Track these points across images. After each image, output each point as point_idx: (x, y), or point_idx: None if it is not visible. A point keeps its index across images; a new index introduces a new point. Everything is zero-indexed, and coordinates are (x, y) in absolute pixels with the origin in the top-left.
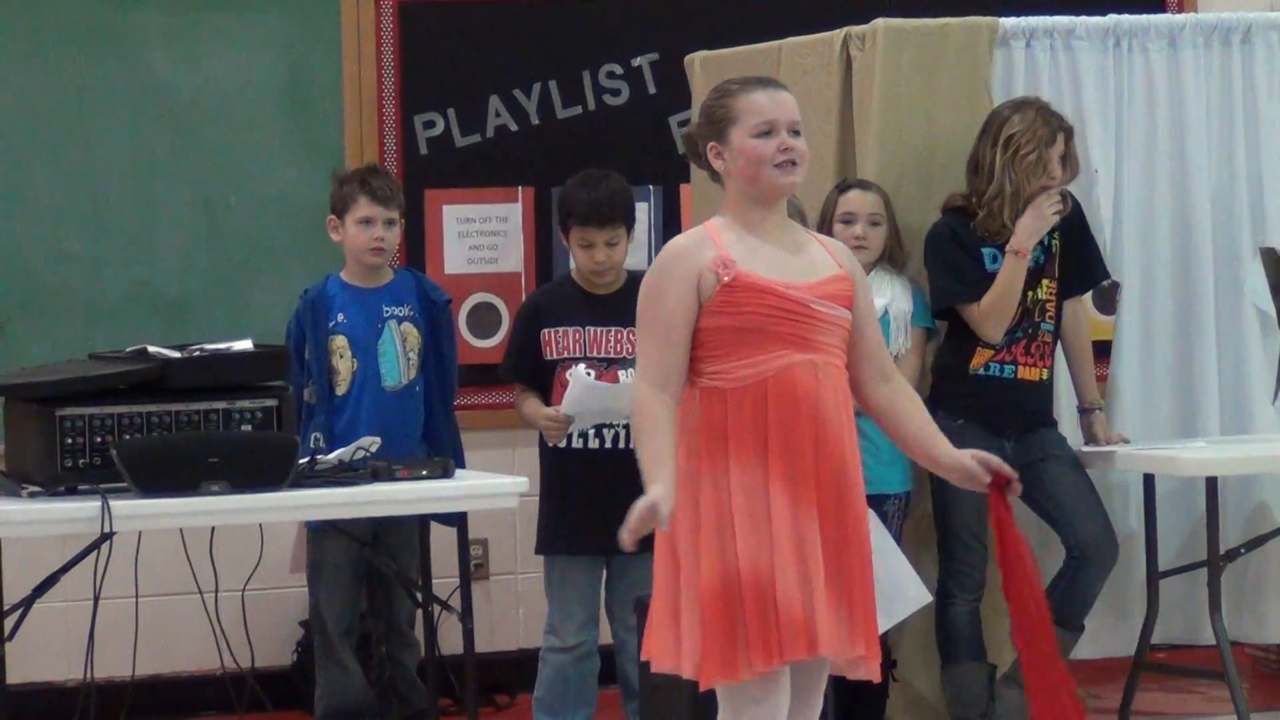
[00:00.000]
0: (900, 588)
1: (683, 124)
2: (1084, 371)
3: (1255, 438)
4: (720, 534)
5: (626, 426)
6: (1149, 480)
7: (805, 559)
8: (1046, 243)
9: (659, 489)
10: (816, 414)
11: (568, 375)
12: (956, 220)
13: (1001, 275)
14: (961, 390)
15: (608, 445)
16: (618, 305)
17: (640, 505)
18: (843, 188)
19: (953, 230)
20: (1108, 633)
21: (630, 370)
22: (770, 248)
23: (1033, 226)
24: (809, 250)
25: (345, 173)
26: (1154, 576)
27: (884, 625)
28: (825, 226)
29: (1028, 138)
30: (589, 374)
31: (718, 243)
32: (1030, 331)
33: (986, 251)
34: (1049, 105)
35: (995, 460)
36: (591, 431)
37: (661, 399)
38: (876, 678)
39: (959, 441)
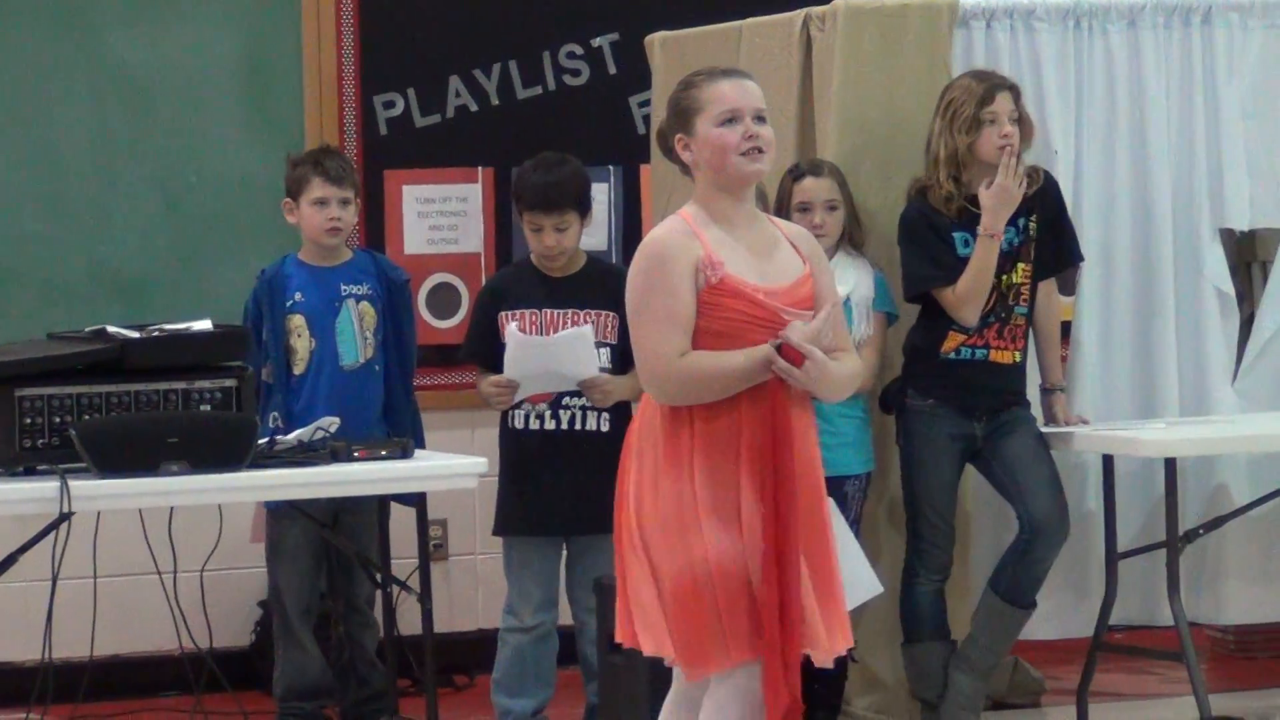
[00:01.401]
0: (854, 576)
1: (643, 105)
2: (1050, 352)
3: (1214, 419)
4: (686, 529)
5: (585, 407)
6: (1108, 461)
7: (783, 556)
8: (1023, 225)
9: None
10: (783, 417)
11: (504, 337)
12: (926, 204)
13: (974, 259)
14: (932, 372)
15: (564, 425)
16: (576, 287)
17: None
18: (796, 174)
19: (924, 214)
20: (1066, 613)
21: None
22: (745, 247)
23: (994, 203)
24: (779, 248)
25: (299, 155)
26: (1113, 557)
27: None
28: (781, 214)
29: (963, 97)
30: (521, 331)
31: (701, 239)
32: (1004, 315)
33: (958, 235)
34: (993, 70)
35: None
36: (548, 411)
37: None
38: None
39: (931, 422)
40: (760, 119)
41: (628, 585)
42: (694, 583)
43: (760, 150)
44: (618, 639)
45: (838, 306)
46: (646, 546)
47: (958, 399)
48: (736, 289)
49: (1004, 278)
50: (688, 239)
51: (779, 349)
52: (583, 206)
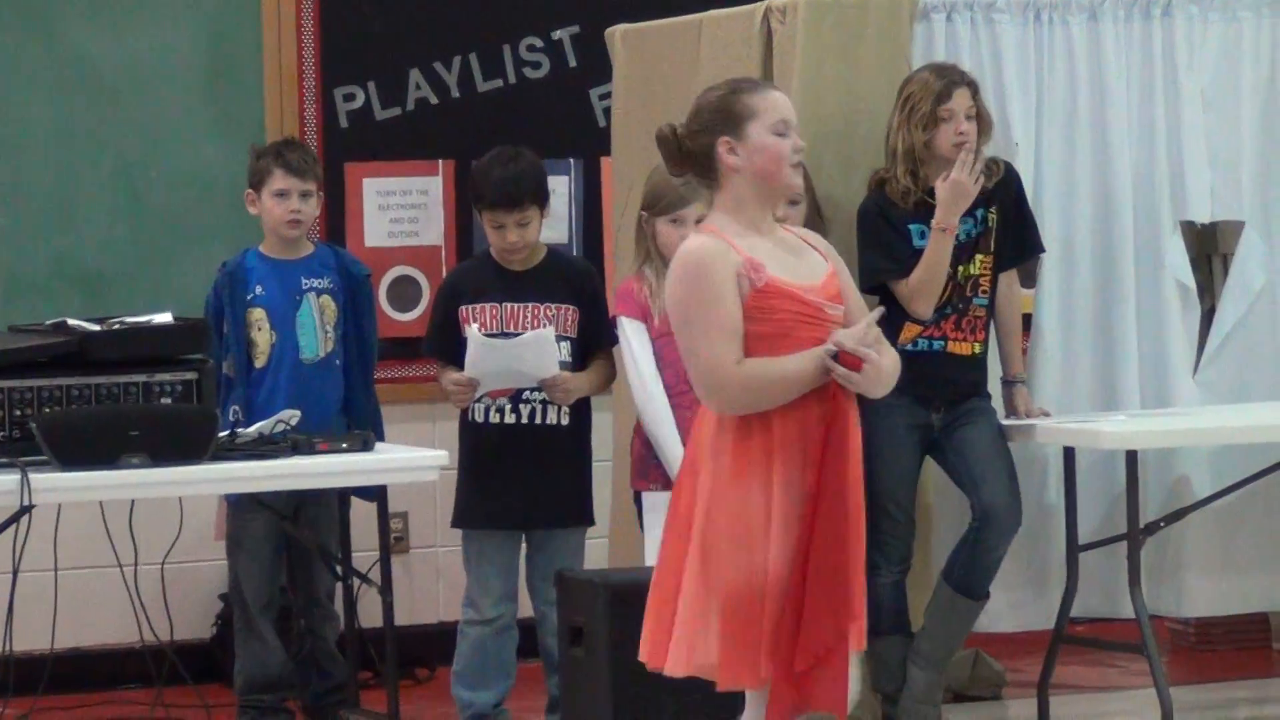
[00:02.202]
0: None
1: (604, 97)
2: (1011, 344)
3: (1175, 411)
4: (753, 538)
5: (545, 401)
6: (1069, 453)
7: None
8: (981, 217)
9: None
10: (843, 414)
11: (465, 335)
12: (883, 197)
13: (927, 252)
14: None
15: (524, 419)
16: (536, 281)
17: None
18: None
19: (880, 207)
20: (1027, 606)
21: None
22: (776, 249)
23: (949, 197)
24: (803, 249)
25: (261, 146)
26: (1073, 549)
27: None
28: None
29: (921, 93)
30: (482, 332)
31: (734, 246)
32: (961, 307)
33: (914, 228)
34: (953, 65)
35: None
36: (509, 405)
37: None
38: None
39: (888, 413)
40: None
41: (674, 602)
42: (753, 592)
43: (799, 165)
44: (643, 658)
45: (853, 289)
46: (707, 559)
47: (915, 390)
48: (781, 289)
49: (961, 269)
50: (724, 248)
51: (835, 356)
52: (542, 200)
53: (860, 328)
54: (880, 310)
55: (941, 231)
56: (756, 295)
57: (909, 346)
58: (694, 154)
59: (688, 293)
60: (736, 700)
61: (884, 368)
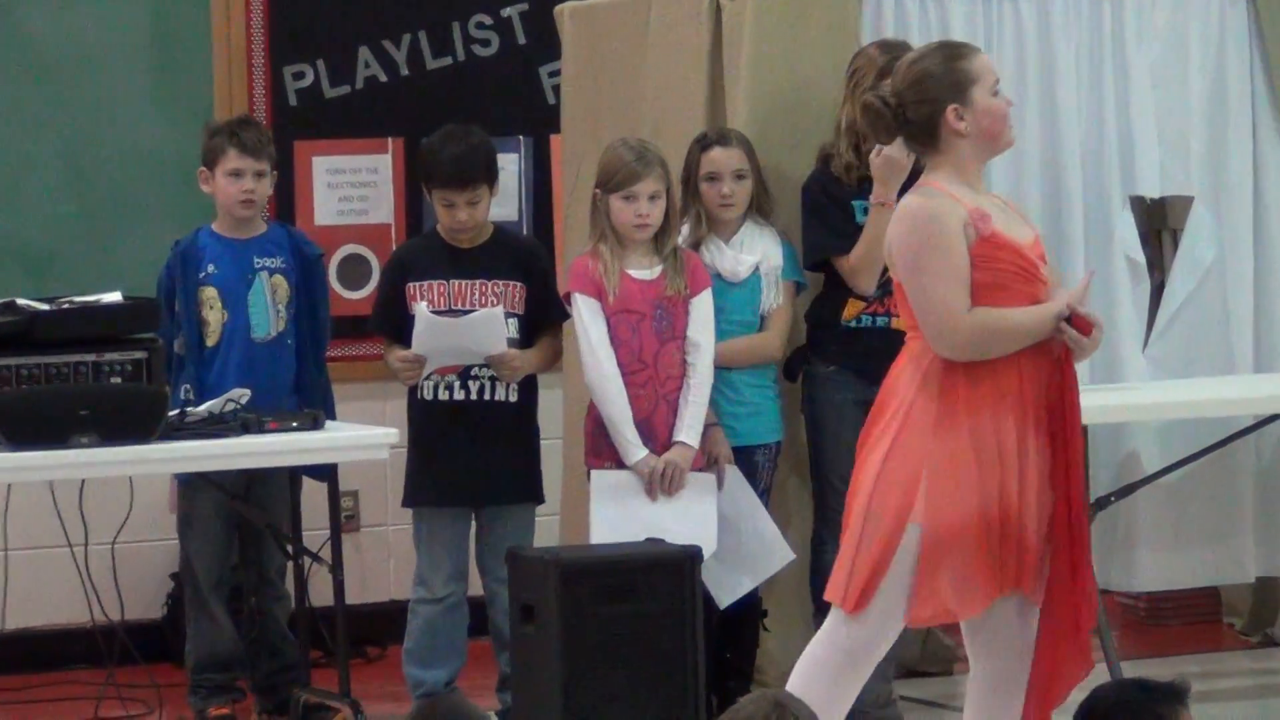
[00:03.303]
0: (765, 545)
1: (553, 75)
2: None
3: (1125, 386)
4: (961, 476)
5: (493, 377)
6: None
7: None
8: None
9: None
10: (1070, 372)
11: (414, 311)
12: (827, 172)
13: (867, 228)
14: (834, 340)
15: (473, 396)
16: (483, 258)
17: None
18: (704, 144)
19: (823, 183)
20: None
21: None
22: (994, 208)
23: (882, 171)
24: (1013, 212)
25: (216, 124)
26: None
27: (751, 583)
28: (689, 184)
29: (866, 68)
30: (430, 309)
31: (959, 200)
32: None
33: (857, 204)
34: (900, 41)
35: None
36: (457, 382)
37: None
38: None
39: (833, 388)
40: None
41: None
42: (964, 524)
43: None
44: (829, 596)
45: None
46: (906, 496)
47: (859, 365)
48: (1005, 241)
49: None
50: (950, 200)
51: (1069, 320)
52: (492, 178)
53: (1080, 289)
54: (1092, 272)
55: (880, 206)
56: (981, 244)
57: (853, 322)
58: (915, 123)
59: (921, 240)
60: (686, 675)
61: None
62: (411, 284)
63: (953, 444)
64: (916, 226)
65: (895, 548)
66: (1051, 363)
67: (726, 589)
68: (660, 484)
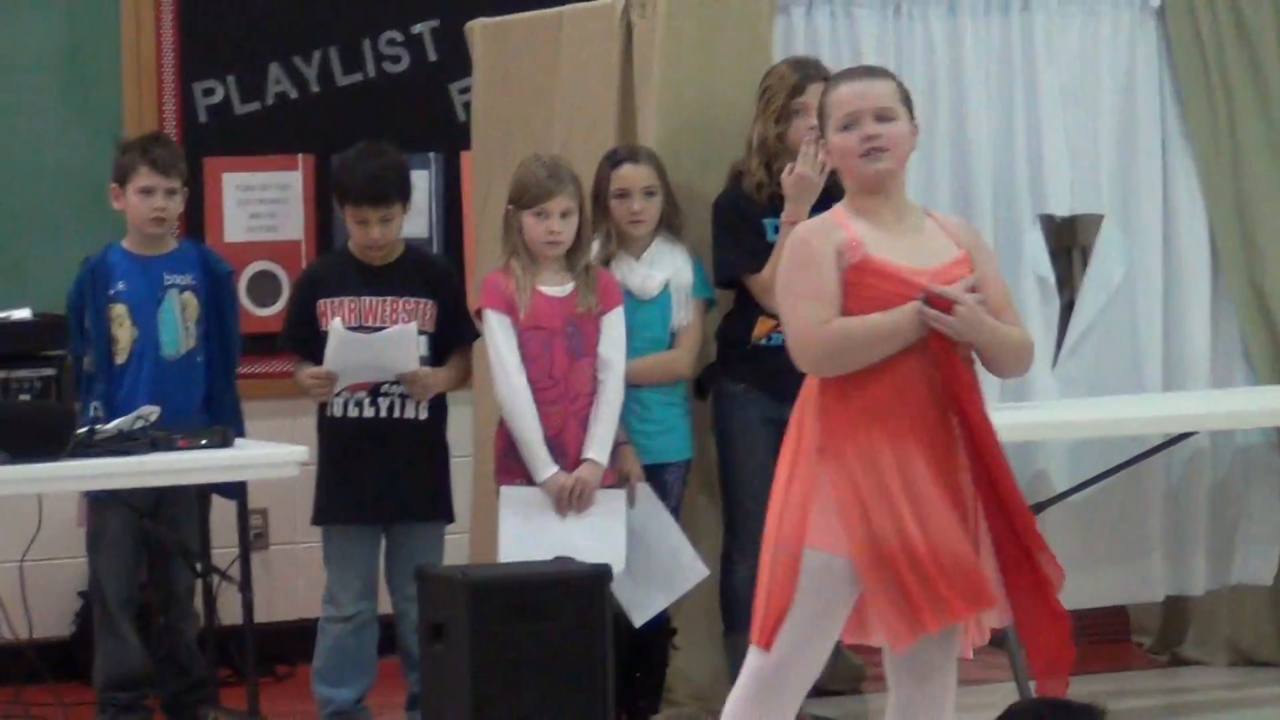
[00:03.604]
0: (679, 562)
1: (464, 91)
2: None
3: (1035, 404)
4: (871, 499)
5: (403, 395)
6: None
7: (961, 522)
8: None
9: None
10: (934, 398)
11: (324, 327)
12: (739, 190)
13: (778, 246)
14: (744, 358)
15: (382, 413)
16: (394, 276)
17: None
18: (614, 161)
19: (735, 201)
20: None
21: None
22: (892, 234)
23: (794, 190)
24: (929, 234)
25: (127, 141)
26: None
27: (665, 600)
28: (599, 201)
29: (777, 86)
30: (344, 326)
31: (846, 226)
32: None
33: (768, 222)
34: (813, 59)
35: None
36: (367, 399)
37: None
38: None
39: (743, 406)
40: (883, 118)
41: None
42: (877, 556)
43: (881, 149)
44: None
45: (995, 281)
46: (800, 523)
47: (770, 384)
48: (880, 268)
49: None
50: (829, 228)
51: (926, 301)
52: (406, 196)
53: (956, 286)
54: (978, 276)
55: (791, 225)
56: (853, 270)
57: (763, 341)
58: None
59: (790, 263)
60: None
61: (989, 321)
62: (323, 300)
63: (835, 469)
64: (790, 250)
65: (796, 575)
66: (927, 370)
67: (640, 607)
68: (569, 501)
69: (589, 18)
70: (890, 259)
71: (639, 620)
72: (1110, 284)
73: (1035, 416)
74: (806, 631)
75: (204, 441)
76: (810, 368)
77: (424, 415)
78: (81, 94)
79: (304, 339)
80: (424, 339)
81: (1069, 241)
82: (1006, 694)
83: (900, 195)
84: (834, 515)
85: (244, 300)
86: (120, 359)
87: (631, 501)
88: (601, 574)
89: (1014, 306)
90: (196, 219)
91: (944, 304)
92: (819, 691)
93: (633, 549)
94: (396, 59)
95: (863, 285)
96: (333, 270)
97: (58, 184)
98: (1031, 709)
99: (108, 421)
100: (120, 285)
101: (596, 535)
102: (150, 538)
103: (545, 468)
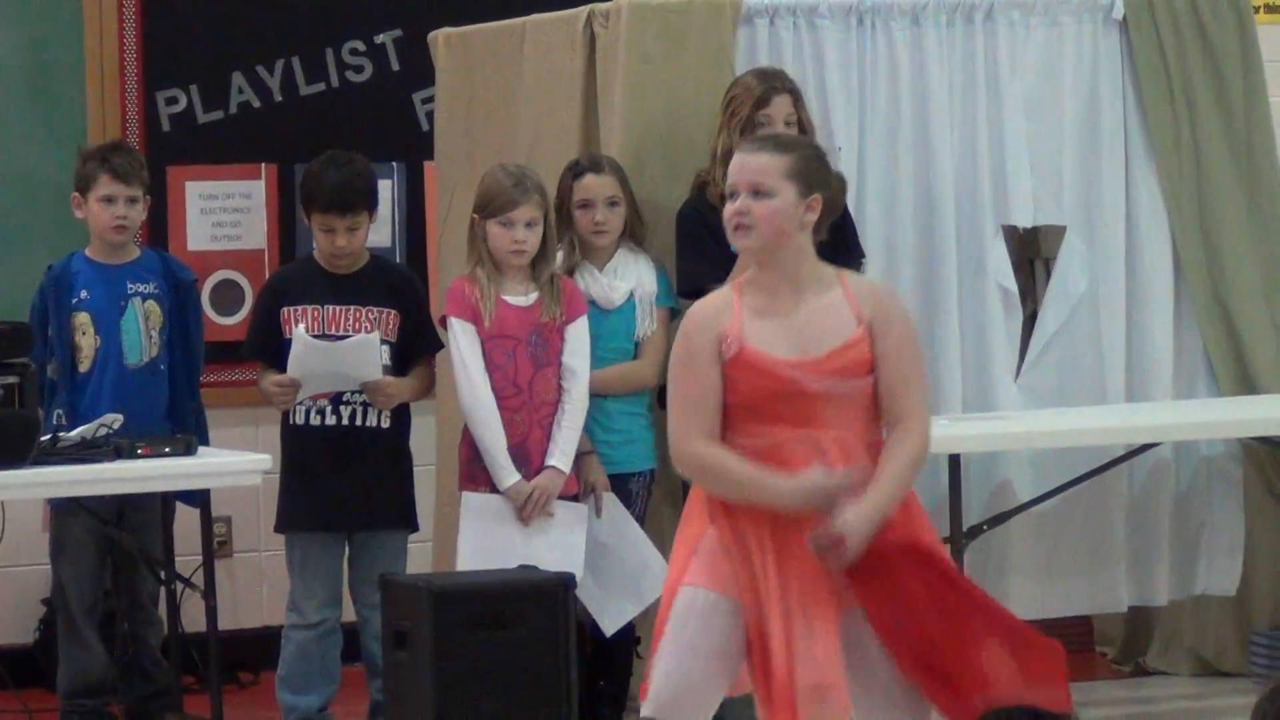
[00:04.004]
0: (648, 570)
1: (426, 101)
2: None
3: (998, 415)
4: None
5: (365, 403)
6: None
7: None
8: None
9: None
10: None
11: (289, 335)
12: (703, 200)
13: (742, 256)
14: None
15: (345, 421)
16: (358, 285)
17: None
18: (577, 171)
19: (698, 211)
20: None
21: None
22: (783, 312)
23: None
24: (828, 309)
25: (89, 149)
26: None
27: (635, 609)
28: (562, 211)
29: (742, 97)
30: (308, 333)
31: (735, 311)
32: None
33: None
34: (777, 70)
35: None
36: (329, 407)
37: (717, 447)
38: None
39: None
40: (757, 193)
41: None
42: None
43: (745, 227)
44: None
45: (897, 356)
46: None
47: None
48: (754, 363)
49: None
50: (718, 312)
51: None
52: (372, 205)
53: (840, 477)
54: (849, 474)
55: None
56: (730, 365)
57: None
58: None
59: (675, 355)
60: (559, 703)
61: (866, 529)
62: (286, 308)
63: (713, 531)
64: (677, 339)
65: (669, 610)
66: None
67: (610, 616)
68: (530, 509)
69: (552, 28)
70: (766, 351)
71: (609, 629)
72: (1073, 295)
73: (999, 427)
74: (675, 664)
75: (167, 449)
76: (681, 472)
77: (386, 424)
78: (44, 103)
79: (267, 346)
80: (387, 348)
81: (1032, 252)
82: None
83: (799, 266)
84: (720, 557)
85: (207, 309)
86: (84, 367)
87: (598, 511)
88: (565, 582)
89: (919, 382)
90: (160, 228)
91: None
92: None
93: (601, 558)
94: (360, 69)
95: (739, 379)
96: (297, 278)
97: (20, 192)
98: (1005, 717)
99: (71, 429)
100: (83, 294)
101: (555, 547)
102: (114, 545)
103: (508, 476)
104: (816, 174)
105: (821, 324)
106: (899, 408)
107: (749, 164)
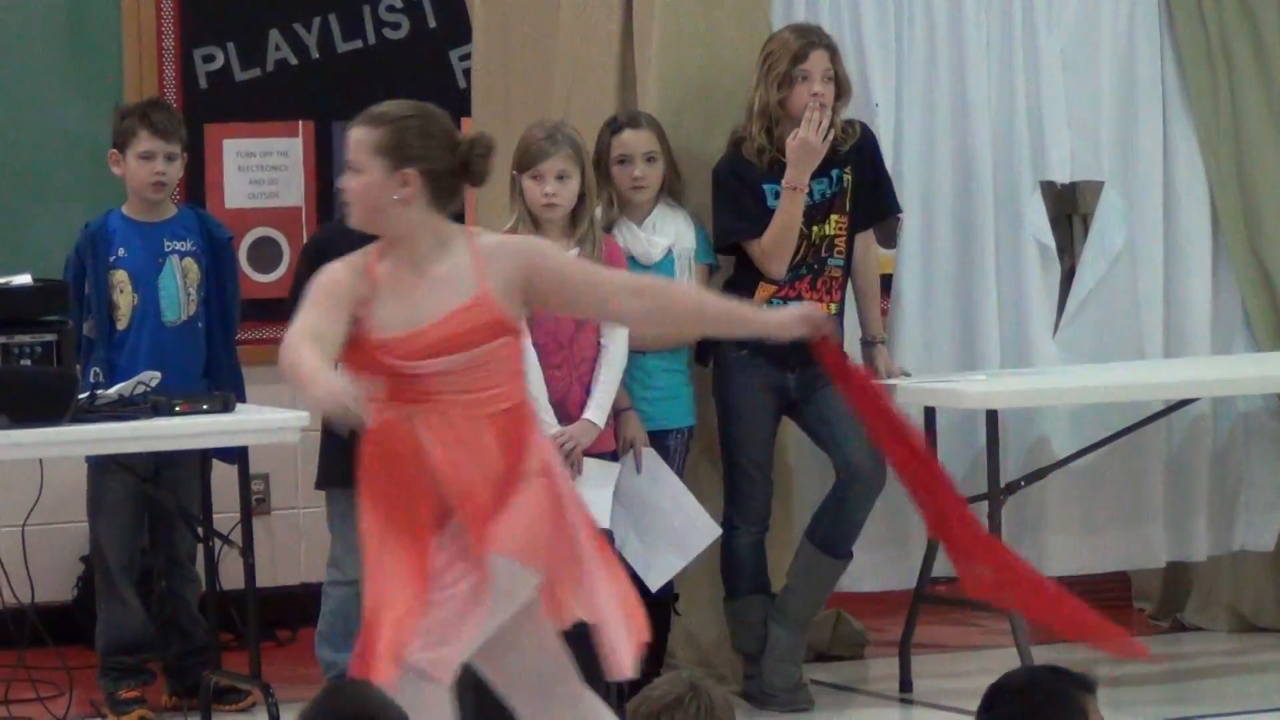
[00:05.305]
0: (691, 523)
1: (464, 58)
2: (869, 305)
3: (1035, 371)
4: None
5: None
6: (930, 413)
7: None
8: (836, 177)
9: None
10: (415, 464)
11: None
12: (739, 156)
13: (778, 212)
14: None
15: None
16: None
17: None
18: (615, 127)
19: (734, 166)
20: (889, 565)
21: None
22: (406, 283)
23: (797, 156)
24: (450, 277)
25: (127, 106)
26: None
27: (680, 562)
28: (600, 167)
29: (780, 52)
30: None
31: (371, 269)
32: (816, 267)
33: (769, 188)
34: (815, 26)
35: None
36: None
37: (308, 344)
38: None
39: (744, 372)
40: (352, 169)
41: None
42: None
43: (345, 204)
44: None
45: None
46: None
47: (770, 350)
48: (364, 338)
49: (815, 229)
50: (362, 270)
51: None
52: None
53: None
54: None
55: (792, 190)
56: (355, 323)
57: (763, 306)
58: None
59: (323, 271)
60: (584, 656)
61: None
62: None
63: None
64: (322, 273)
65: None
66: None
67: (656, 571)
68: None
69: None
70: (376, 327)
71: (655, 584)
72: (1111, 250)
73: (1036, 383)
74: None
75: (205, 406)
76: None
77: None
78: (82, 61)
79: None
80: None
81: (1069, 208)
82: (1008, 658)
83: (415, 240)
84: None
85: (245, 267)
86: (121, 325)
87: (638, 467)
88: (603, 535)
89: (607, 272)
90: (197, 186)
91: None
92: (819, 656)
93: (644, 514)
94: (397, 25)
95: (353, 346)
96: (341, 238)
97: (58, 150)
98: (1028, 673)
99: (109, 387)
100: (120, 251)
101: None
102: (152, 502)
103: (547, 428)
104: (413, 147)
105: (440, 290)
106: (617, 287)
107: (347, 139)
